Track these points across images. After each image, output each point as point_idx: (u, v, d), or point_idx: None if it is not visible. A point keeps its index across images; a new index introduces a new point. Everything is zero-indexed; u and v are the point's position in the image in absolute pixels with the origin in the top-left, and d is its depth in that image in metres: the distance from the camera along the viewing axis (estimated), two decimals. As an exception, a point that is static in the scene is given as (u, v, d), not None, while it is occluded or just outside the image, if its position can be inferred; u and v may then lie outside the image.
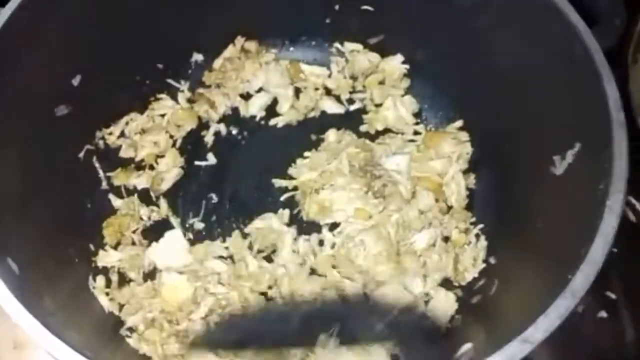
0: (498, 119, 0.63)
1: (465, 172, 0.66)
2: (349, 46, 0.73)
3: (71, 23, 0.57)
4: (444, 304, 0.59)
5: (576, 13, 0.53)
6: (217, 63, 0.72)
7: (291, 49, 0.75)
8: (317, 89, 0.72)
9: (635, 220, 0.63)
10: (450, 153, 0.65)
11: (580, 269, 0.43)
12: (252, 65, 0.72)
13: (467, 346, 0.52)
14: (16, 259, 0.44)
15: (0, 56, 0.51)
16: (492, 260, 0.61)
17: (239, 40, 0.72)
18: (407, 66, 0.72)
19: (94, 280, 0.59)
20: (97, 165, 0.65)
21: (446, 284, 0.61)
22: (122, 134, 0.68)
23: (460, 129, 0.68)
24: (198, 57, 0.73)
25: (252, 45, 0.73)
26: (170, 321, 0.58)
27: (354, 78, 0.72)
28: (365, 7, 0.69)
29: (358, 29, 0.71)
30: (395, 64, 0.72)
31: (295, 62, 0.73)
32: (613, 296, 0.63)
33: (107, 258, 0.61)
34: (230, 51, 0.72)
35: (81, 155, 0.64)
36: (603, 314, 0.63)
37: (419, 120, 0.71)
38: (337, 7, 0.70)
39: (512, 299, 0.53)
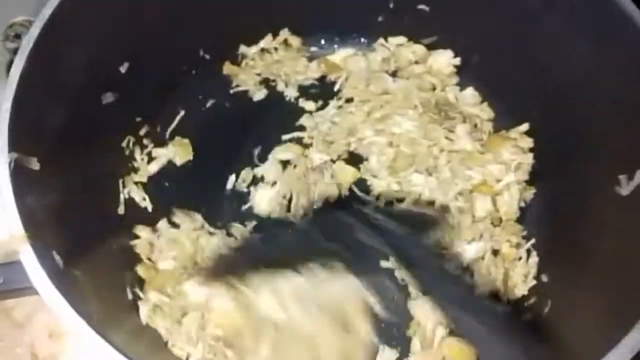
0: (561, 131, 0.60)
1: (523, 184, 0.63)
2: (393, 40, 0.70)
3: (121, 10, 0.56)
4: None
5: (650, 21, 0.50)
6: (251, 51, 0.71)
7: (335, 46, 0.72)
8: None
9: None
10: (509, 160, 0.62)
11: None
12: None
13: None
14: (60, 252, 0.43)
15: (51, 40, 0.49)
16: (544, 278, 0.58)
17: (284, 33, 0.70)
18: (458, 61, 0.69)
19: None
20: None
21: (494, 299, 0.59)
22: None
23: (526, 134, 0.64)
24: (244, 49, 0.71)
25: (296, 41, 0.71)
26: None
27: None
28: (421, 6, 0.66)
29: (411, 29, 0.69)
30: (445, 59, 0.69)
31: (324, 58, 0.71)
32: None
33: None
34: (266, 42, 0.70)
35: (124, 144, 0.62)
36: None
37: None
38: (391, 5, 0.67)
39: (568, 322, 0.51)
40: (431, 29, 0.68)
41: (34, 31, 0.48)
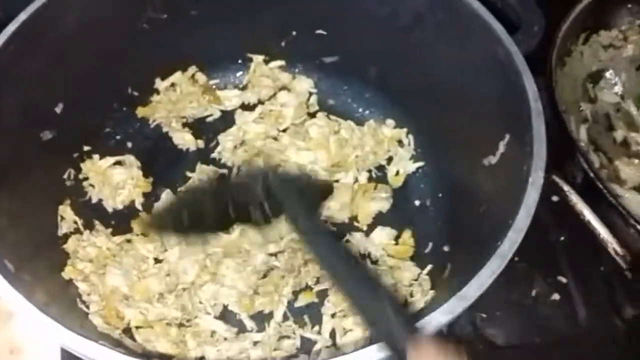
0: (439, 123, 0.71)
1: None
2: (272, 64, 0.81)
3: (52, 58, 0.64)
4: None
5: (499, 23, 0.61)
6: (162, 85, 0.79)
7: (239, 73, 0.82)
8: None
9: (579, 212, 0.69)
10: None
11: (508, 236, 0.49)
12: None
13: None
14: (11, 260, 0.50)
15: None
16: (445, 248, 0.68)
17: (192, 69, 0.79)
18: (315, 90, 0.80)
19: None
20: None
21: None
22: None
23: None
24: (158, 83, 0.79)
25: (201, 77, 0.80)
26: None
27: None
28: (319, 31, 0.77)
29: (314, 51, 0.79)
30: (306, 85, 0.80)
31: (209, 88, 0.80)
32: (564, 280, 0.70)
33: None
34: (176, 77, 0.79)
35: (65, 176, 0.69)
36: (556, 296, 0.69)
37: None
38: (294, 33, 0.78)
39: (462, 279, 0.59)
40: (331, 49, 0.79)
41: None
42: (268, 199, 0.59)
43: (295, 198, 0.57)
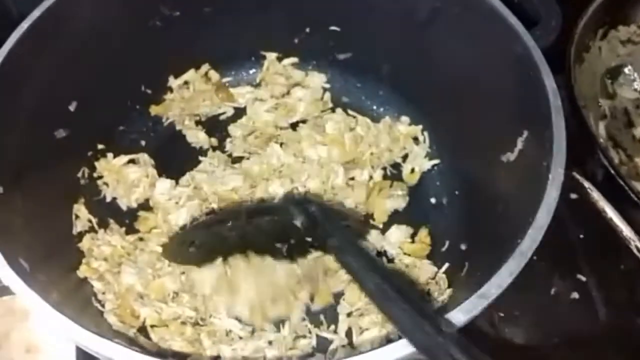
0: (456, 120, 0.69)
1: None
2: (286, 61, 0.80)
3: (65, 56, 0.63)
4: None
5: (515, 17, 0.60)
6: (175, 83, 0.78)
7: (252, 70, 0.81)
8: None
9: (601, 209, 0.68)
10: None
11: (528, 233, 0.48)
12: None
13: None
14: (26, 260, 0.49)
15: (3, 87, 0.57)
16: (462, 247, 0.67)
17: (205, 67, 0.79)
18: (328, 85, 0.80)
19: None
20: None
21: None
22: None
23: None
24: (172, 81, 0.78)
25: (214, 75, 0.79)
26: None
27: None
28: (333, 27, 0.76)
29: (327, 48, 0.78)
30: (318, 80, 0.79)
31: (222, 86, 0.79)
32: (583, 279, 0.68)
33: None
34: (189, 75, 0.79)
35: (79, 175, 0.69)
36: (575, 295, 0.67)
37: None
38: (307, 29, 0.77)
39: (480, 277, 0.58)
40: (345, 46, 0.78)
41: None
42: (308, 230, 0.60)
43: (342, 230, 0.60)
